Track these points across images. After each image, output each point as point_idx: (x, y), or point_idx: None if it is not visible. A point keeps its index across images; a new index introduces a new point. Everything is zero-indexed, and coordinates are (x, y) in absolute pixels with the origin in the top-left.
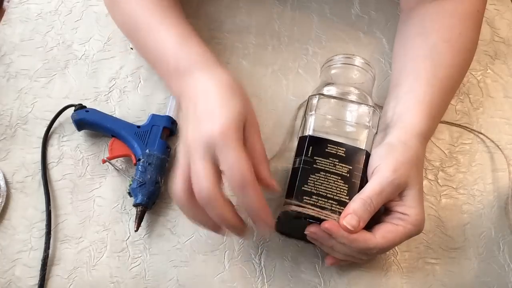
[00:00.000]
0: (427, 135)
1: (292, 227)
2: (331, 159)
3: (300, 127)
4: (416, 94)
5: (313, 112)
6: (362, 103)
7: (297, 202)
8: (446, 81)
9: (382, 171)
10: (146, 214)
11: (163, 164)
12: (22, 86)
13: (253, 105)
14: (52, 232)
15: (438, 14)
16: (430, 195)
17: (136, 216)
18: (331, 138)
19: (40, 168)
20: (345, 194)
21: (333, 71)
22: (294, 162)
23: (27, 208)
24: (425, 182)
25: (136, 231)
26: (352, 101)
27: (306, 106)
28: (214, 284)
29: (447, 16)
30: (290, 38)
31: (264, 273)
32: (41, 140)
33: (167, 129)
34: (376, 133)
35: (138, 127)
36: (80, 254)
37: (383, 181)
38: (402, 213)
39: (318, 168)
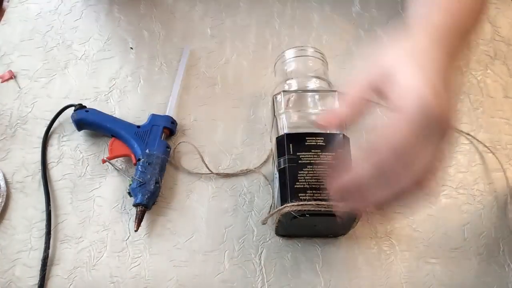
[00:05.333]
0: (437, 28)
1: (293, 227)
2: (313, 151)
3: (272, 128)
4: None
5: (282, 110)
6: (325, 89)
7: (294, 202)
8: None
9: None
10: (146, 214)
11: (163, 164)
12: (22, 86)
13: (253, 104)
14: (52, 232)
15: None
16: (430, 195)
17: (136, 216)
18: (307, 131)
19: (40, 168)
20: None
21: (288, 66)
22: (279, 163)
23: (27, 208)
24: None
25: (136, 231)
26: (315, 90)
27: (273, 107)
28: (214, 284)
29: None
30: (290, 37)
31: (264, 273)
32: (41, 140)
33: (167, 129)
34: (346, 115)
35: (138, 127)
36: (80, 254)
37: (370, 62)
38: (394, 99)
39: (303, 163)
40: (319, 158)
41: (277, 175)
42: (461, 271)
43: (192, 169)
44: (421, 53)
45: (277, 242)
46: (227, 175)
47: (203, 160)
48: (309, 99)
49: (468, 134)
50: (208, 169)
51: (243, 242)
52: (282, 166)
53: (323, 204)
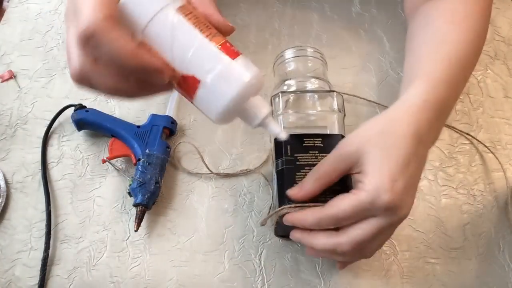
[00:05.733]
0: (422, 101)
1: (292, 228)
2: (311, 152)
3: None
4: (414, 71)
5: (280, 111)
6: (324, 90)
7: (291, 204)
8: (449, 54)
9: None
10: (146, 214)
11: (163, 164)
12: (22, 86)
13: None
14: (52, 232)
15: (440, 4)
16: (430, 195)
17: (136, 216)
18: (305, 131)
19: (40, 168)
20: (337, 183)
21: (287, 66)
22: (277, 165)
23: (27, 208)
24: (425, 182)
25: (136, 231)
26: (314, 91)
27: (272, 107)
28: (214, 284)
29: (449, 2)
30: (290, 37)
31: (264, 273)
32: (41, 140)
33: (167, 129)
34: (345, 115)
35: (138, 127)
36: (80, 254)
37: (335, 150)
38: (358, 181)
39: (301, 164)
40: (317, 160)
41: (275, 177)
42: (461, 271)
43: (192, 169)
44: (393, 137)
45: (277, 242)
46: (227, 175)
47: (203, 160)
48: (308, 100)
49: (468, 134)
50: (208, 169)
51: (243, 242)
52: (280, 168)
53: (320, 206)
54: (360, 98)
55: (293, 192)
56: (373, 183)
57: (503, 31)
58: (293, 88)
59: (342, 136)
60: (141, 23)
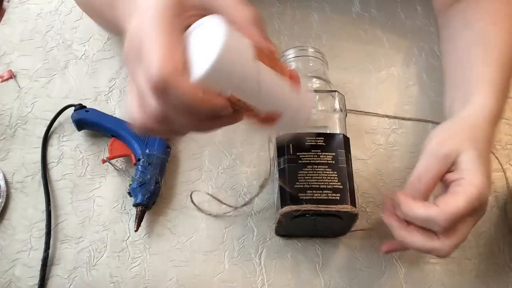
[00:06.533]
0: (490, 111)
1: (293, 227)
2: (313, 150)
3: None
4: (473, 77)
5: None
6: (326, 90)
7: (294, 202)
8: (501, 59)
9: (429, 145)
10: (146, 214)
11: (163, 164)
12: (22, 86)
13: None
14: (52, 232)
15: (479, 3)
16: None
17: (136, 216)
18: (306, 131)
19: (40, 168)
20: (337, 180)
21: (293, 64)
22: (279, 163)
23: (27, 208)
24: None
25: (136, 231)
26: (316, 91)
27: None
28: (214, 284)
29: (489, 2)
30: (290, 37)
31: (264, 273)
32: (41, 140)
33: None
34: (346, 115)
35: None
36: (80, 254)
37: (428, 154)
38: (458, 179)
39: (303, 163)
40: (319, 158)
41: (277, 175)
42: (461, 271)
43: (192, 169)
44: (482, 142)
45: (277, 242)
46: (227, 175)
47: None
48: None
49: None
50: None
51: (243, 242)
52: (282, 166)
53: (323, 204)
54: (358, 112)
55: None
56: (480, 180)
57: None
58: None
59: (344, 136)
60: (230, 84)
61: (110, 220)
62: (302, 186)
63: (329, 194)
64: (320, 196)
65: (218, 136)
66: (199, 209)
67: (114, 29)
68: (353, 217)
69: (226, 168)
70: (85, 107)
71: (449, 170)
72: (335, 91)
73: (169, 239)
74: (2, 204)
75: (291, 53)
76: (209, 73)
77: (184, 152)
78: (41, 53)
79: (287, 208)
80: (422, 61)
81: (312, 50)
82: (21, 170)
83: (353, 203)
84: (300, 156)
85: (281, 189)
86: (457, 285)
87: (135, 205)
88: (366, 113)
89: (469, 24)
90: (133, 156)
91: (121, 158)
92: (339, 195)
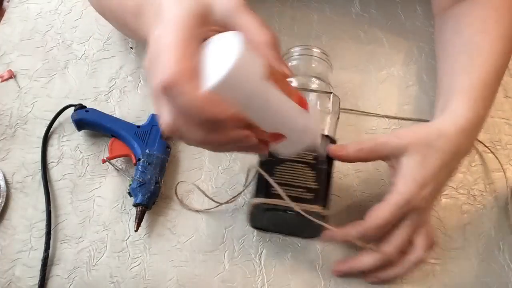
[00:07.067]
0: (463, 119)
1: (267, 221)
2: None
3: None
4: (454, 86)
5: None
6: (322, 91)
7: (264, 196)
8: (485, 67)
9: (391, 133)
10: (146, 214)
11: (163, 164)
12: (22, 86)
13: None
14: (52, 232)
15: (471, 9)
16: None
17: (136, 216)
18: None
19: (40, 168)
20: (313, 180)
21: (292, 63)
22: (259, 155)
23: (27, 208)
24: None
25: (136, 231)
26: (312, 90)
27: None
28: (214, 284)
29: (480, 8)
30: (290, 37)
31: (264, 273)
32: (41, 140)
33: None
34: (338, 118)
35: (138, 127)
36: (80, 254)
37: (380, 137)
38: (393, 183)
39: (283, 158)
40: (299, 157)
41: (257, 165)
42: (461, 271)
43: (192, 169)
44: (435, 150)
45: (277, 242)
46: (227, 175)
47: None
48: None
49: None
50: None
51: (243, 242)
52: (262, 158)
53: (290, 203)
54: (359, 111)
55: (335, 150)
56: (409, 187)
57: None
58: (293, 85)
59: (330, 138)
60: (237, 100)
61: (110, 220)
62: (277, 181)
63: (303, 193)
64: (292, 193)
65: None
66: (182, 203)
67: (136, 37)
68: (322, 219)
69: (226, 168)
70: (85, 107)
71: (391, 163)
72: (330, 92)
73: (169, 239)
74: (2, 204)
75: (296, 51)
76: (218, 86)
77: (184, 152)
78: (41, 53)
79: (256, 200)
80: (422, 61)
81: (318, 51)
82: (21, 170)
83: (324, 205)
84: None
85: (258, 180)
86: (457, 285)
87: (135, 205)
88: (366, 113)
89: (459, 31)
90: (133, 156)
91: (121, 158)
92: (313, 195)
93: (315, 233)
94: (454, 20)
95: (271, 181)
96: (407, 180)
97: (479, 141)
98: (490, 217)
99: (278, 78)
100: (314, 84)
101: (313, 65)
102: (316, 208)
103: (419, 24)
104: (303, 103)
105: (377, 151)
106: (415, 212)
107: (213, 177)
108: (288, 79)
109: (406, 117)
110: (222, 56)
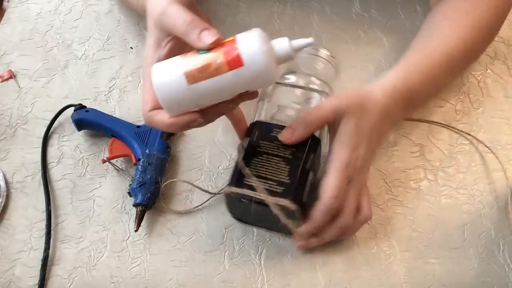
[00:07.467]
0: (391, 85)
1: (243, 211)
2: (275, 142)
3: (256, 114)
4: (400, 60)
5: (265, 99)
6: (314, 89)
7: (238, 185)
8: (437, 48)
9: (334, 96)
10: (146, 214)
11: (163, 164)
12: (22, 86)
13: (253, 103)
14: (52, 232)
15: (453, 1)
16: (430, 195)
17: (136, 216)
18: (283, 124)
19: (40, 168)
20: (286, 175)
21: (297, 60)
22: (241, 145)
23: (27, 208)
24: (425, 182)
25: (136, 231)
26: (303, 87)
27: (261, 93)
28: (214, 284)
29: (461, 0)
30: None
31: (264, 273)
32: (41, 140)
33: None
34: None
35: (138, 127)
36: (80, 254)
37: (322, 103)
38: (330, 151)
39: (261, 151)
40: (277, 150)
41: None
42: (461, 271)
43: (192, 169)
44: (366, 112)
45: (277, 242)
46: (227, 175)
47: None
48: (295, 95)
49: (468, 134)
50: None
51: (243, 242)
52: (241, 148)
53: (259, 195)
54: None
55: (286, 136)
56: (345, 152)
57: (502, 32)
58: (292, 81)
59: (314, 136)
60: (188, 105)
61: (110, 220)
62: (252, 172)
63: (273, 186)
64: (264, 185)
65: (218, 136)
66: (168, 210)
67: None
68: (291, 213)
69: (226, 168)
70: (85, 107)
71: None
72: (326, 92)
73: (169, 239)
74: (2, 204)
75: (304, 50)
76: (166, 107)
77: (184, 152)
78: (41, 53)
79: (227, 189)
80: None
81: (327, 53)
82: (21, 170)
83: (295, 199)
84: (261, 144)
85: (234, 170)
86: (457, 285)
87: (135, 205)
88: None
89: (432, 17)
90: (133, 156)
91: (121, 158)
92: (283, 188)
93: (288, 230)
94: (436, 11)
95: (245, 171)
96: (343, 145)
97: (479, 141)
98: (490, 217)
99: (198, 60)
100: (314, 84)
101: (317, 66)
102: (284, 202)
103: (419, 24)
104: (235, 62)
105: (323, 118)
106: (355, 173)
107: (213, 177)
108: (288, 75)
109: (406, 117)
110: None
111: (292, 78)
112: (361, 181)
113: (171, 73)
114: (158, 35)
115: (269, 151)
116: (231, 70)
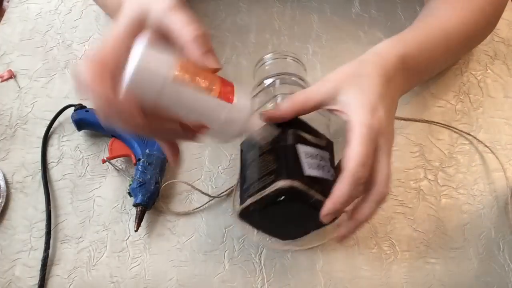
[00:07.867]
0: (385, 52)
1: (259, 222)
2: (258, 145)
3: None
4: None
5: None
6: (294, 84)
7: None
8: (433, 25)
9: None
10: (146, 214)
11: (163, 164)
12: (22, 86)
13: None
14: (52, 232)
15: None
16: (430, 195)
17: (136, 216)
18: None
19: (40, 168)
20: (273, 162)
21: (267, 68)
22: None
23: (27, 208)
24: (425, 182)
25: (136, 231)
26: (282, 82)
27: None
28: (214, 284)
29: None
30: (290, 37)
31: (264, 273)
32: (41, 140)
33: None
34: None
35: None
36: (80, 254)
37: (311, 87)
38: (348, 121)
39: (249, 162)
40: (259, 151)
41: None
42: (461, 271)
43: (192, 169)
44: (364, 77)
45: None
46: (227, 175)
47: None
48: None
49: (468, 134)
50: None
51: (243, 242)
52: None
53: (258, 192)
54: None
55: (269, 113)
56: (362, 115)
57: (502, 32)
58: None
59: (299, 119)
60: (149, 98)
61: (110, 220)
62: (247, 186)
63: (266, 179)
64: (258, 186)
65: None
66: (168, 210)
67: None
68: (298, 193)
69: (226, 168)
70: (85, 107)
71: (332, 107)
72: (301, 86)
73: (169, 239)
74: (2, 204)
75: (269, 56)
76: (127, 91)
77: (184, 152)
78: (41, 53)
79: (234, 213)
80: None
81: (292, 55)
82: (21, 170)
83: (294, 178)
84: (247, 156)
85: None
86: (457, 285)
87: (135, 205)
88: None
89: (427, 5)
90: (133, 156)
91: (121, 158)
92: (273, 175)
93: (316, 222)
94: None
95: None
96: (357, 110)
97: (479, 141)
98: (490, 217)
99: (197, 72)
100: (286, 81)
101: (286, 66)
102: (278, 184)
103: None
104: (226, 96)
105: (311, 98)
106: (382, 137)
107: (213, 177)
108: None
109: (406, 117)
110: (131, 61)
111: (267, 81)
112: (390, 145)
113: (163, 60)
114: (139, 19)
115: (254, 157)
116: (218, 98)
